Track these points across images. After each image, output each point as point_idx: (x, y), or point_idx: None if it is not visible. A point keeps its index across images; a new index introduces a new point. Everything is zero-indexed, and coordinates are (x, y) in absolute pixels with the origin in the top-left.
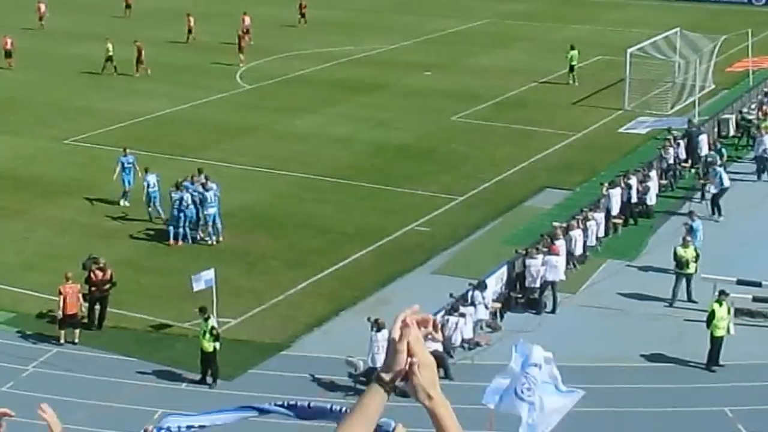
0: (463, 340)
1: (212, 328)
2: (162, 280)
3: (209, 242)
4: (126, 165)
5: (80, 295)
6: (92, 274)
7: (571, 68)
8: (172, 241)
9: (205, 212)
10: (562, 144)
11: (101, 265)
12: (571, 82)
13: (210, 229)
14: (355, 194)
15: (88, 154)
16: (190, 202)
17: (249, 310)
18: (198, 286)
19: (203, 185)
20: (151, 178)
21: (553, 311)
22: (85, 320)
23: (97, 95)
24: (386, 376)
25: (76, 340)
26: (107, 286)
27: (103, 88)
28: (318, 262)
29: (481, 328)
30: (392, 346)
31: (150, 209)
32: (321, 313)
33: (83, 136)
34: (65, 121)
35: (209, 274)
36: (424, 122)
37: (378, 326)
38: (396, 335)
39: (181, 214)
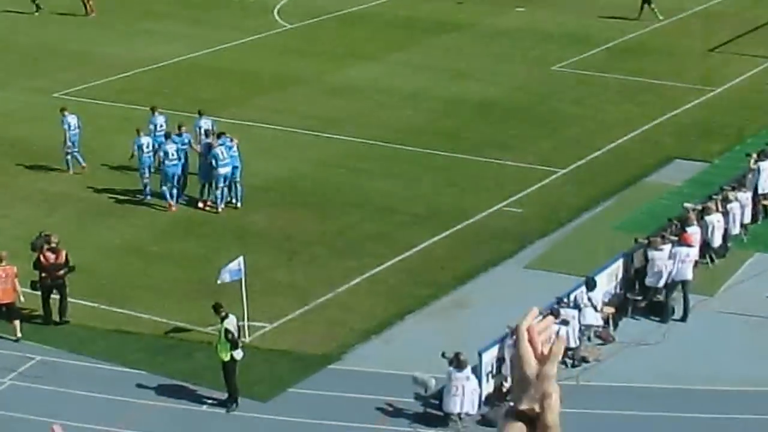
0: (565, 354)
1: (226, 331)
2: (177, 271)
3: (216, 210)
4: (158, 130)
5: (16, 280)
6: (42, 257)
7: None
8: (171, 202)
9: (216, 172)
10: (695, 102)
11: (53, 244)
12: (656, 17)
13: (218, 193)
14: (426, 164)
15: (83, 111)
16: (174, 156)
17: (288, 311)
18: (222, 278)
19: (209, 136)
20: (72, 120)
21: (683, 319)
22: (32, 312)
23: (95, 37)
24: (525, 407)
25: (18, 335)
26: (62, 272)
27: (101, 27)
28: (377, 251)
29: (589, 338)
30: (524, 371)
31: (69, 158)
32: (380, 317)
33: (77, 88)
34: (54, 69)
35: (237, 264)
36: (515, 73)
37: (459, 364)
38: (528, 357)
39: (146, 169)
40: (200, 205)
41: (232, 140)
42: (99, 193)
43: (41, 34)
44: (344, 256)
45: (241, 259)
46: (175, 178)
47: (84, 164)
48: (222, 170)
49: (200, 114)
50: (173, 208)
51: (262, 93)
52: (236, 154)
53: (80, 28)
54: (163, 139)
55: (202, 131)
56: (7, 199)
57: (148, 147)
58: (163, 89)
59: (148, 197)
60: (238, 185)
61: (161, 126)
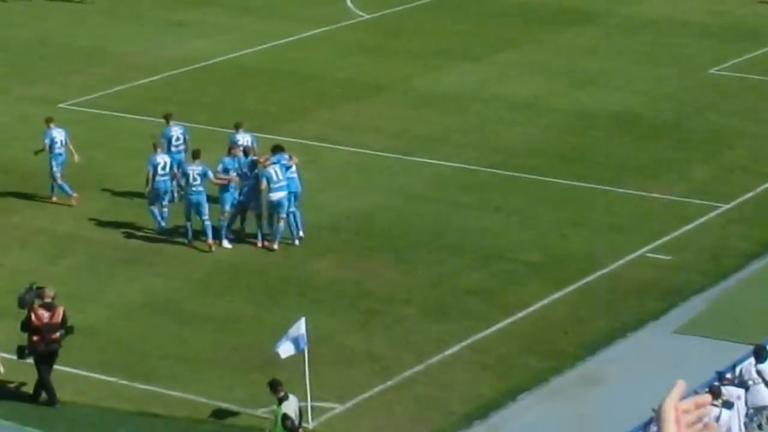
0: None
1: (285, 417)
2: (219, 335)
3: (272, 248)
4: (174, 144)
5: None
6: (33, 315)
7: None
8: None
9: (268, 198)
10: None
11: (48, 299)
12: None
13: (278, 225)
14: (544, 196)
15: (97, 126)
16: (197, 180)
17: (365, 388)
18: (286, 351)
19: (249, 154)
20: (58, 135)
21: None
22: (19, 387)
23: (110, 30)
24: None
25: None
26: (58, 334)
27: (119, 17)
28: (480, 311)
29: (760, 426)
30: None
31: (57, 181)
32: (486, 397)
33: (88, 96)
34: (60, 71)
35: (298, 328)
36: (662, 77)
37: None
38: None
39: (162, 196)
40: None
41: (290, 158)
42: (117, 233)
43: (40, 26)
44: (437, 317)
45: (302, 321)
46: (202, 208)
47: (74, 194)
48: (275, 196)
49: (237, 128)
50: (211, 245)
51: (329, 104)
52: (295, 176)
53: (90, 18)
54: (181, 156)
55: (240, 150)
56: (0, 241)
57: (164, 168)
58: (150, 133)
59: (162, 231)
60: (297, 217)
61: (177, 139)
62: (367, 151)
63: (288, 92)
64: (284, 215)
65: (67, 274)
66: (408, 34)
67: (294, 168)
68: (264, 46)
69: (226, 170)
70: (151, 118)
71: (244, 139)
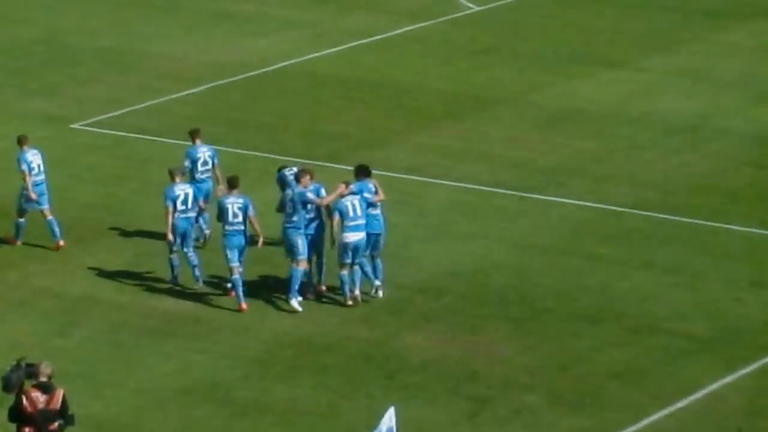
0: None
1: None
2: (280, 430)
3: (350, 301)
4: (201, 169)
5: None
6: (26, 399)
7: None
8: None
9: (342, 239)
10: None
11: (44, 379)
12: None
13: (344, 274)
14: (715, 248)
15: (121, 153)
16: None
17: None
18: None
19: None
20: (34, 158)
21: None
22: None
23: (144, 26)
24: None
25: None
26: (56, 424)
27: (156, 10)
28: (626, 399)
29: None
30: None
31: (22, 221)
32: None
33: (110, 114)
34: (75, 81)
35: (387, 421)
36: None
37: None
38: None
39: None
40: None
41: (376, 191)
42: (146, 294)
43: (46, 21)
44: (569, 408)
45: (391, 412)
46: (239, 253)
47: (61, 240)
48: (352, 237)
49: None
50: (243, 307)
51: (426, 124)
52: (378, 213)
53: (112, 11)
54: (208, 186)
55: (289, 180)
56: None
57: (185, 202)
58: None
59: (175, 282)
60: (377, 270)
61: (205, 164)
62: (477, 187)
63: (372, 109)
64: (357, 262)
65: (81, 348)
66: (530, 32)
67: (378, 207)
68: (340, 48)
69: (303, 203)
70: (181, 142)
71: (202, 153)
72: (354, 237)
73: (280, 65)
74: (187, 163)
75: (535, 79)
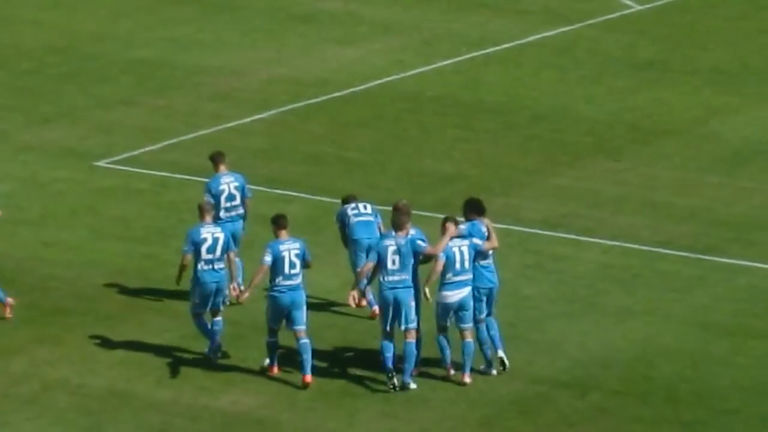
0: None
1: None
2: None
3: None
4: (225, 205)
5: None
6: None
7: None
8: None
9: (443, 301)
10: None
11: None
12: None
13: (466, 343)
14: None
15: (163, 200)
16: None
17: None
18: None
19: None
20: None
21: None
22: None
23: (190, 30)
24: None
25: None
26: None
27: (207, 8)
28: None
29: None
30: None
31: None
32: None
33: (147, 148)
34: (100, 103)
35: None
36: None
37: None
38: None
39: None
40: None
41: (488, 236)
42: (195, 389)
43: (61, 24)
44: None
45: None
46: (299, 313)
47: (9, 301)
48: (452, 295)
49: (347, 201)
50: (272, 370)
51: (571, 161)
52: (491, 264)
53: (147, 10)
54: (238, 226)
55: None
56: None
57: (211, 249)
58: None
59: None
60: (494, 336)
61: (231, 197)
62: (637, 246)
63: (497, 142)
64: (470, 326)
65: None
66: (710, 39)
67: (491, 256)
68: (455, 60)
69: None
70: (261, 188)
71: (227, 184)
72: (457, 295)
73: (374, 83)
74: (209, 199)
75: (716, 103)
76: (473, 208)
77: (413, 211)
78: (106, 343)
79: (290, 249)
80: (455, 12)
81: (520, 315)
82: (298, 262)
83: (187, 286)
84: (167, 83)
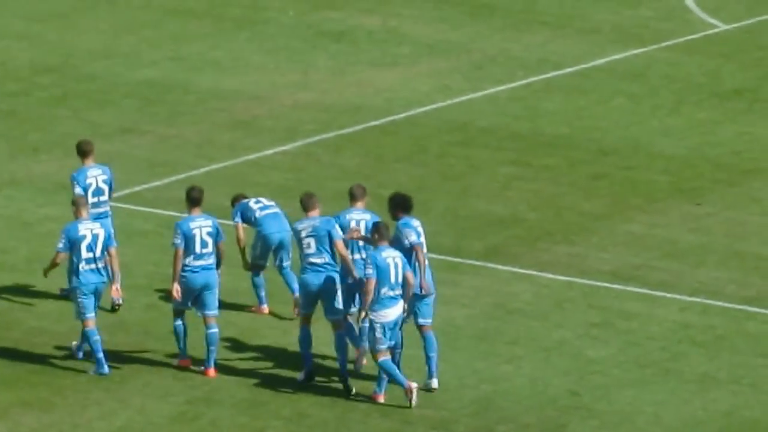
0: None
1: None
2: None
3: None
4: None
5: None
6: None
7: None
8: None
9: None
10: None
11: None
12: None
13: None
14: None
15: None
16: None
17: None
18: None
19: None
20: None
21: None
22: None
23: (207, 45)
24: None
25: None
26: None
27: (221, 22)
28: None
29: None
30: None
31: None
32: None
33: (154, 183)
34: (101, 131)
35: None
36: None
37: None
38: None
39: None
40: None
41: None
42: None
43: (59, 36)
44: None
45: None
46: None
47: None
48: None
49: (239, 198)
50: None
51: (646, 204)
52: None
53: (156, 24)
54: (106, 223)
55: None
56: None
57: (91, 247)
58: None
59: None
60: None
61: (99, 190)
62: (722, 304)
63: (559, 180)
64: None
65: None
66: None
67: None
68: (510, 86)
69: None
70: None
71: (96, 177)
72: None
73: (416, 111)
74: (79, 191)
75: None
76: (400, 205)
77: (463, 260)
78: (103, 409)
79: (201, 227)
80: (511, 30)
81: (584, 381)
82: (210, 241)
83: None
84: (176, 109)
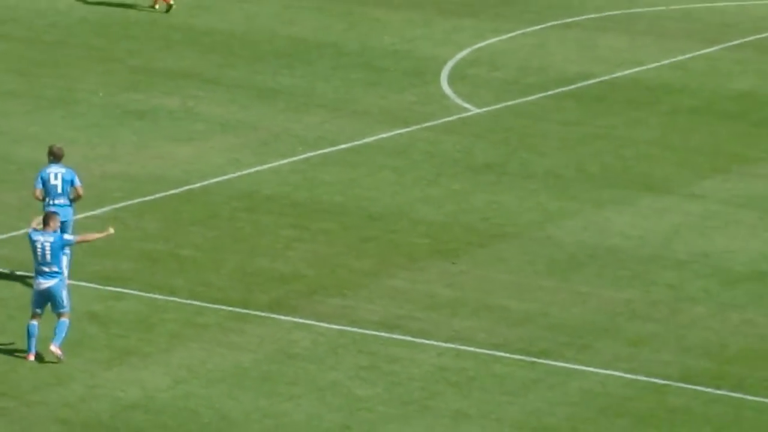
0: None
1: None
2: None
3: None
4: None
5: None
6: None
7: None
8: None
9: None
10: None
11: None
12: None
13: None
14: None
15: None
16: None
17: None
18: None
19: None
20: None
21: None
22: None
23: (15, 123)
24: None
25: None
26: None
27: (43, 100)
28: None
29: None
30: None
31: None
32: None
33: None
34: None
35: None
36: None
37: None
38: None
39: None
40: None
41: None
42: None
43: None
44: None
45: None
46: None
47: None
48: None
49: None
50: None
51: (407, 263)
52: None
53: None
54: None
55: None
56: None
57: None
58: None
59: None
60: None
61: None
62: (472, 349)
63: (333, 243)
64: None
65: None
66: (547, 143)
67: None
68: (291, 160)
69: None
70: (93, 285)
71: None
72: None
73: (209, 181)
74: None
75: (552, 207)
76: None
77: (248, 311)
78: None
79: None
80: (293, 112)
81: (354, 417)
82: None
83: None
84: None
